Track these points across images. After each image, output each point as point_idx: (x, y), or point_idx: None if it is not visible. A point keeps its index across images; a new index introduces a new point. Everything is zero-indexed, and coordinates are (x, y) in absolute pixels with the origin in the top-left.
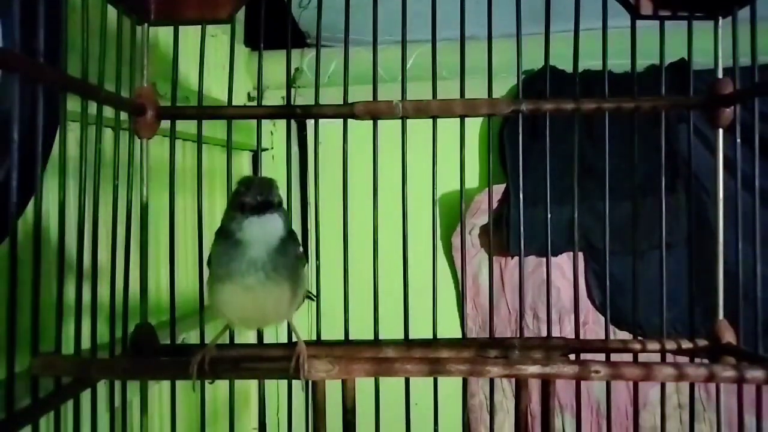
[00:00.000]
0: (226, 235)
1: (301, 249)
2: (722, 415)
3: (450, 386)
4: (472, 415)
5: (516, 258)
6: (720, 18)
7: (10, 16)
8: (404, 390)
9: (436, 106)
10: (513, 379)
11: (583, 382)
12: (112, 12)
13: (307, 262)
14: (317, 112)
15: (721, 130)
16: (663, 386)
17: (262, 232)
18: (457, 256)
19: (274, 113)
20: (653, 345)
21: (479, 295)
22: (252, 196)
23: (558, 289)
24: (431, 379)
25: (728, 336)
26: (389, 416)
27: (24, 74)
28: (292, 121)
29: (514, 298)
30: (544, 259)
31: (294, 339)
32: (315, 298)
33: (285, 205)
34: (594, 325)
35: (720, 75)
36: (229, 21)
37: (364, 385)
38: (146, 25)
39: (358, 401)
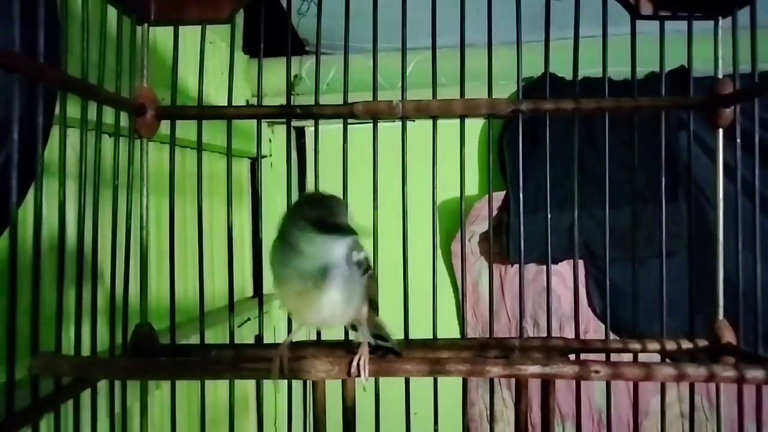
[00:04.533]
0: (287, 241)
1: (362, 253)
2: (723, 422)
3: (450, 394)
4: (472, 424)
5: (516, 265)
6: (720, 18)
7: (9, 16)
8: (404, 390)
9: (436, 106)
10: (513, 387)
11: (583, 390)
12: (112, 12)
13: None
14: (317, 111)
15: (721, 131)
16: (663, 394)
17: (330, 251)
18: (456, 263)
19: (274, 113)
20: (653, 345)
21: (479, 302)
22: (333, 218)
23: (558, 296)
24: (431, 385)
25: (728, 336)
26: (389, 416)
27: (24, 74)
28: (291, 128)
29: (514, 306)
30: (544, 267)
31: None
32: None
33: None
34: (595, 333)
35: (720, 75)
36: (229, 21)
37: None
38: (146, 25)
39: (358, 401)
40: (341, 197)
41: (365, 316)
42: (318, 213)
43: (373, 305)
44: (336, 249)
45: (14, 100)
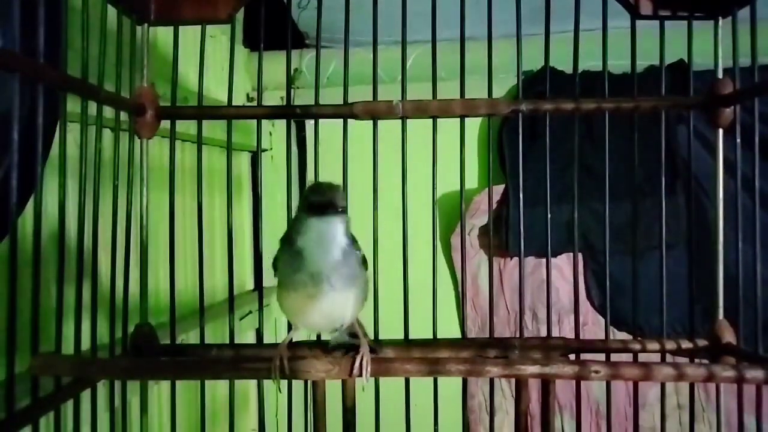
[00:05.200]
0: (290, 242)
1: (361, 252)
2: (722, 415)
3: (450, 387)
4: (472, 415)
5: (515, 259)
6: (720, 18)
7: (9, 16)
8: (404, 390)
9: (436, 106)
10: (513, 380)
11: (582, 383)
12: (112, 12)
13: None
14: (317, 112)
15: (721, 130)
16: (662, 387)
17: (323, 235)
18: (456, 256)
19: (273, 113)
20: (653, 345)
21: (478, 295)
22: (317, 197)
23: (557, 289)
24: (431, 379)
25: (728, 336)
26: (389, 416)
27: (24, 74)
28: (292, 122)
29: (513, 299)
30: (543, 260)
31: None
32: None
33: (293, 205)
34: (593, 326)
35: (720, 75)
36: (229, 21)
37: (364, 385)
38: (146, 25)
39: (358, 401)
40: (338, 184)
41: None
42: (314, 199)
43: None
44: (333, 228)
45: (15, 100)
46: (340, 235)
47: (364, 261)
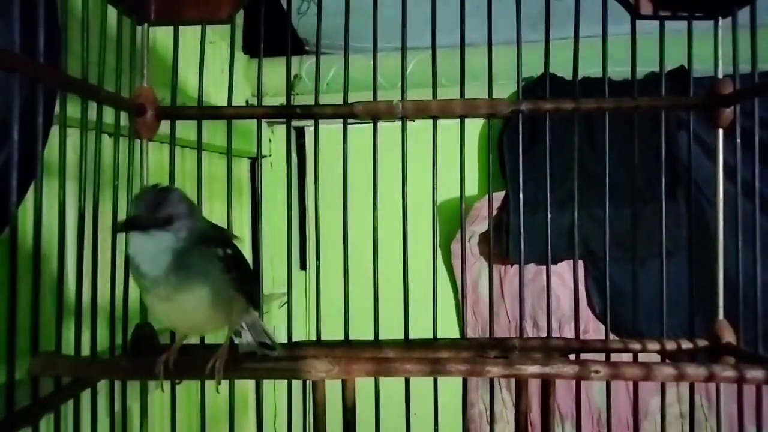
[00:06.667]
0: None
1: (225, 251)
2: (723, 422)
3: (449, 393)
4: (472, 425)
5: (515, 266)
6: (720, 18)
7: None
8: (404, 390)
9: (436, 106)
10: (513, 387)
11: (583, 390)
12: (112, 12)
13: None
14: (317, 112)
15: (721, 131)
16: (663, 394)
17: (146, 249)
18: (456, 263)
19: (273, 113)
20: (653, 345)
21: (479, 303)
22: (136, 212)
23: (558, 297)
24: (431, 385)
25: (728, 336)
26: (389, 417)
27: (24, 74)
28: (291, 128)
29: (513, 306)
30: (544, 267)
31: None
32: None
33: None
34: (594, 333)
35: (720, 76)
36: (229, 21)
37: (364, 385)
38: (146, 25)
39: (358, 401)
40: (163, 186)
41: (240, 316)
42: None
43: (251, 303)
44: (140, 245)
45: (14, 100)
46: (166, 247)
47: (225, 259)
